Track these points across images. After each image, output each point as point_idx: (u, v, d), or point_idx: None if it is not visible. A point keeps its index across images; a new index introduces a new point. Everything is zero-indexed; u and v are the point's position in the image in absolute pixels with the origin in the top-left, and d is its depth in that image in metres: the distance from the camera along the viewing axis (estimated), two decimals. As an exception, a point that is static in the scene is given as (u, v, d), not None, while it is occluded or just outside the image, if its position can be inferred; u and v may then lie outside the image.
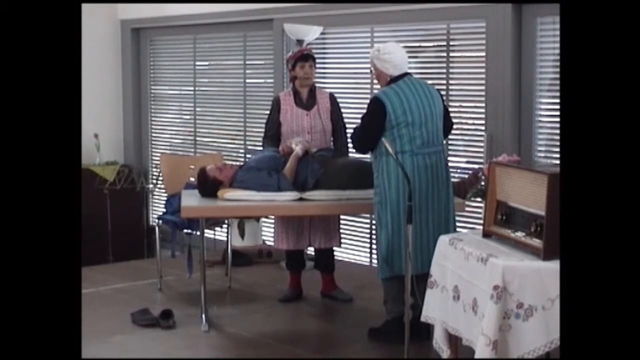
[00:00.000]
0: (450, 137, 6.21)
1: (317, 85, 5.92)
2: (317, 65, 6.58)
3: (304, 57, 5.66)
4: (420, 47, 6.56)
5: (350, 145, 5.26)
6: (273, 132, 5.71)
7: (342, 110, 5.86)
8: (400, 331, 4.60)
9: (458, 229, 6.02)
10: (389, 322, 4.92)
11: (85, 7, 4.21)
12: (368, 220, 6.72)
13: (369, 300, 5.53)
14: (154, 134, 8.65)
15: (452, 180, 5.85)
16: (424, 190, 4.72)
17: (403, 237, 4.59)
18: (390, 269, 4.77)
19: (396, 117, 4.69)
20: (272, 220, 6.13)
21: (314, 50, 6.09)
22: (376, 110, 4.74)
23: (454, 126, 6.19)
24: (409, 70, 4.91)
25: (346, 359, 4.82)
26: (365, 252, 6.85)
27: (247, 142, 7.69)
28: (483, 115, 6.01)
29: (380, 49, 4.88)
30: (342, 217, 6.08)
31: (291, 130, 5.63)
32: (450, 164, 6.19)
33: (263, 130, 5.83)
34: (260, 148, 5.87)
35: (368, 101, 4.88)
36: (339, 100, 5.87)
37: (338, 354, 4.85)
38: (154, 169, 8.50)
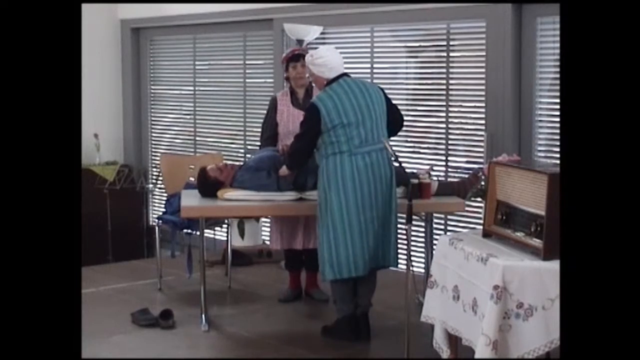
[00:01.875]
0: (450, 137, 6.24)
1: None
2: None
3: (295, 57, 5.65)
4: (420, 47, 6.56)
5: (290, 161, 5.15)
6: (270, 133, 5.71)
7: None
8: (350, 329, 4.93)
9: (458, 229, 6.07)
10: (340, 321, 4.98)
11: (85, 7, 4.19)
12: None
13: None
14: (154, 134, 8.65)
15: (452, 180, 5.87)
16: (366, 190, 4.76)
17: (347, 238, 4.73)
18: (336, 271, 4.80)
19: (331, 120, 4.74)
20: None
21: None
22: (310, 116, 4.81)
23: (455, 126, 6.23)
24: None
25: (346, 358, 4.82)
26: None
27: (247, 142, 7.69)
28: (483, 115, 6.01)
29: (313, 54, 4.97)
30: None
31: (287, 130, 5.62)
32: (450, 164, 6.24)
33: (261, 130, 5.84)
34: (258, 148, 5.87)
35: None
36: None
37: (338, 354, 4.85)
38: (154, 169, 8.50)
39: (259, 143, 5.91)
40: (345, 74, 4.92)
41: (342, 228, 4.75)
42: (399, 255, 4.90)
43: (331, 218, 4.75)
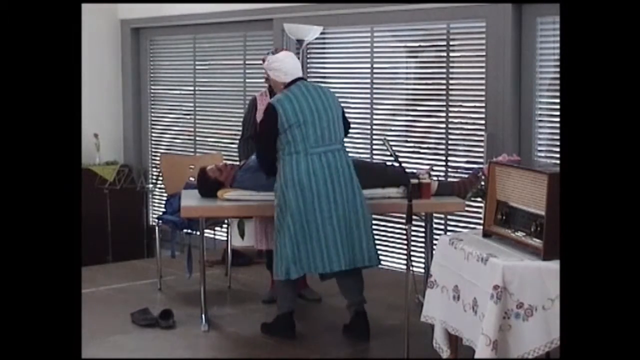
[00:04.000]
0: (450, 137, 6.25)
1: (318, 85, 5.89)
2: (317, 65, 6.57)
3: None
4: (420, 47, 6.56)
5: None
6: (250, 133, 5.72)
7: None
8: (288, 326, 5.00)
9: (458, 229, 6.07)
10: (280, 317, 5.04)
11: (85, 7, 4.19)
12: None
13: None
14: (154, 134, 8.65)
15: (452, 180, 5.88)
16: (323, 190, 4.79)
17: (307, 236, 4.76)
18: (300, 268, 4.82)
19: (287, 120, 4.79)
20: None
21: (314, 50, 6.08)
22: (268, 117, 4.86)
23: (455, 126, 6.25)
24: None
25: (346, 359, 4.82)
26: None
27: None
28: (483, 115, 6.01)
29: (269, 59, 5.07)
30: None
31: None
32: (450, 164, 6.24)
33: (241, 130, 5.82)
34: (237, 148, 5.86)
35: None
36: (338, 100, 5.85)
37: (339, 354, 4.85)
38: (154, 169, 8.50)
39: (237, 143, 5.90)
40: (302, 79, 4.98)
41: (302, 227, 4.77)
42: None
43: (290, 217, 4.77)
